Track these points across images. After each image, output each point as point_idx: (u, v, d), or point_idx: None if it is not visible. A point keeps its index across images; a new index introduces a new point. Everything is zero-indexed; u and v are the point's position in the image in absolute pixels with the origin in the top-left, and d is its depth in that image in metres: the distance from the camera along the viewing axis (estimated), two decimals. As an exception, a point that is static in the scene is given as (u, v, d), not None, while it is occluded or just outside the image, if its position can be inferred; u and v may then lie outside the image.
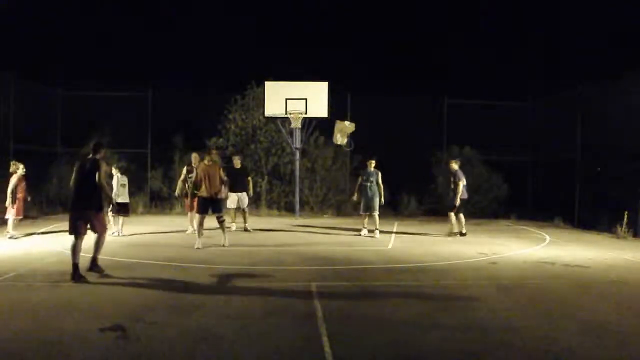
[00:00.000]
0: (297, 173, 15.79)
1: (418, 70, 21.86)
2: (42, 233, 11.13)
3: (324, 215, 16.19)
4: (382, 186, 11.40)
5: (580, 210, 14.18)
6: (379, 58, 23.02)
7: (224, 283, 6.75)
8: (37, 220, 13.33)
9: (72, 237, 6.66)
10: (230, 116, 16.87)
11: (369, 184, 11.41)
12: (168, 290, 6.29)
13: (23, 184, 10.53)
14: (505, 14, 22.55)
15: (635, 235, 11.67)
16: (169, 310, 5.43)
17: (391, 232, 11.95)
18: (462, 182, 11.30)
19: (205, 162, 9.62)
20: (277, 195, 16.76)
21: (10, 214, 10.32)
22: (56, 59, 19.34)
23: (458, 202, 11.31)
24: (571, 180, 14.44)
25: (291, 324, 5.02)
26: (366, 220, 11.66)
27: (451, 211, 11.52)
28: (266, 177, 16.71)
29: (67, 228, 6.77)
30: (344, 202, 16.72)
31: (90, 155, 6.82)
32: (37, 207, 14.58)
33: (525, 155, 17.27)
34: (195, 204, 10.07)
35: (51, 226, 12.16)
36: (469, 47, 22.33)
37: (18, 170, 10.42)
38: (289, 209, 16.29)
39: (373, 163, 11.52)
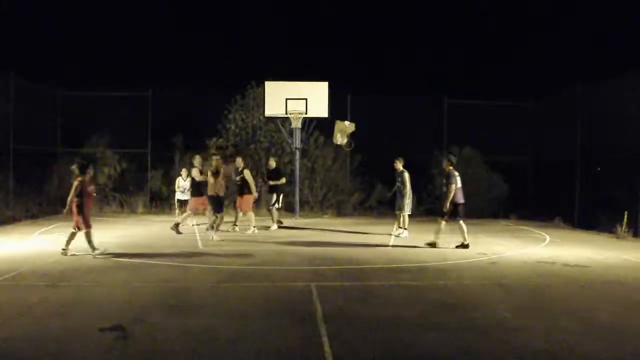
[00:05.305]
0: (297, 173, 15.78)
1: (418, 70, 21.87)
2: (42, 233, 11.14)
3: (324, 215, 16.18)
4: (404, 186, 11.22)
5: (580, 210, 14.16)
6: (379, 58, 23.02)
7: (224, 283, 6.75)
8: (37, 220, 13.34)
9: None
10: (230, 116, 16.86)
11: (398, 183, 11.46)
12: (168, 290, 6.29)
13: None
14: (505, 14, 22.56)
15: (635, 235, 11.66)
16: (169, 310, 5.44)
17: (391, 232, 11.94)
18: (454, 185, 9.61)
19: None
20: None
21: None
22: (56, 59, 19.34)
23: (447, 206, 9.63)
24: (571, 180, 14.42)
25: (291, 324, 5.02)
26: (399, 219, 11.69)
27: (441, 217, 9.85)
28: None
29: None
30: (344, 202, 16.71)
31: None
32: (38, 207, 14.56)
33: (525, 155, 17.25)
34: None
35: (51, 226, 12.16)
36: (469, 47, 22.34)
37: None
38: (289, 209, 16.27)
39: (398, 162, 11.46)
